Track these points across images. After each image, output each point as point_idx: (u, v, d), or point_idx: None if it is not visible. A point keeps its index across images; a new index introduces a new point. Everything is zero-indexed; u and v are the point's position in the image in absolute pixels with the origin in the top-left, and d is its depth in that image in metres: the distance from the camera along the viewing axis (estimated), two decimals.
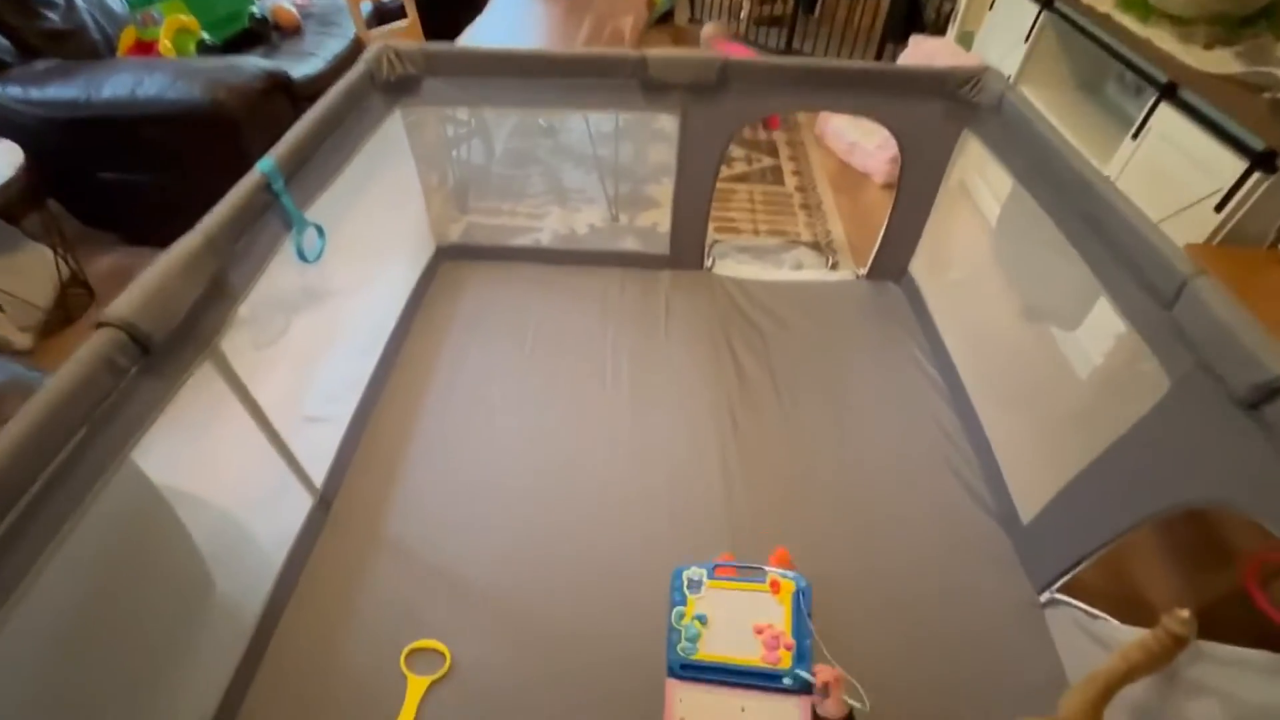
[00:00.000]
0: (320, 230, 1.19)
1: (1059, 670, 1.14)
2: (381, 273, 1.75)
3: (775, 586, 0.98)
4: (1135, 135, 1.62)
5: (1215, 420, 0.87)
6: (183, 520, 1.05)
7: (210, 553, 1.12)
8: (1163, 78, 1.56)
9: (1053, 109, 2.05)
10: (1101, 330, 1.18)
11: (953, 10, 2.85)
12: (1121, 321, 1.05)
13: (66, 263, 1.83)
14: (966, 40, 2.68)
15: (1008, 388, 1.47)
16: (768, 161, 2.57)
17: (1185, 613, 0.88)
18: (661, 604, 1.20)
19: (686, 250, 1.93)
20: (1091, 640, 1.10)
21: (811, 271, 2.02)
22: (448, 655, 1.15)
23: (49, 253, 1.79)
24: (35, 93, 1.62)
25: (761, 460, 1.47)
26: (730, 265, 2.00)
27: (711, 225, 1.99)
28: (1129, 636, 1.02)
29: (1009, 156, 1.41)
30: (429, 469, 1.43)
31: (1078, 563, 1.12)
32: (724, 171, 2.48)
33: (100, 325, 0.76)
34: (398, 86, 1.53)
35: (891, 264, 1.91)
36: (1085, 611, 1.13)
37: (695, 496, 1.39)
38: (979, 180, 1.64)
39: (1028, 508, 1.29)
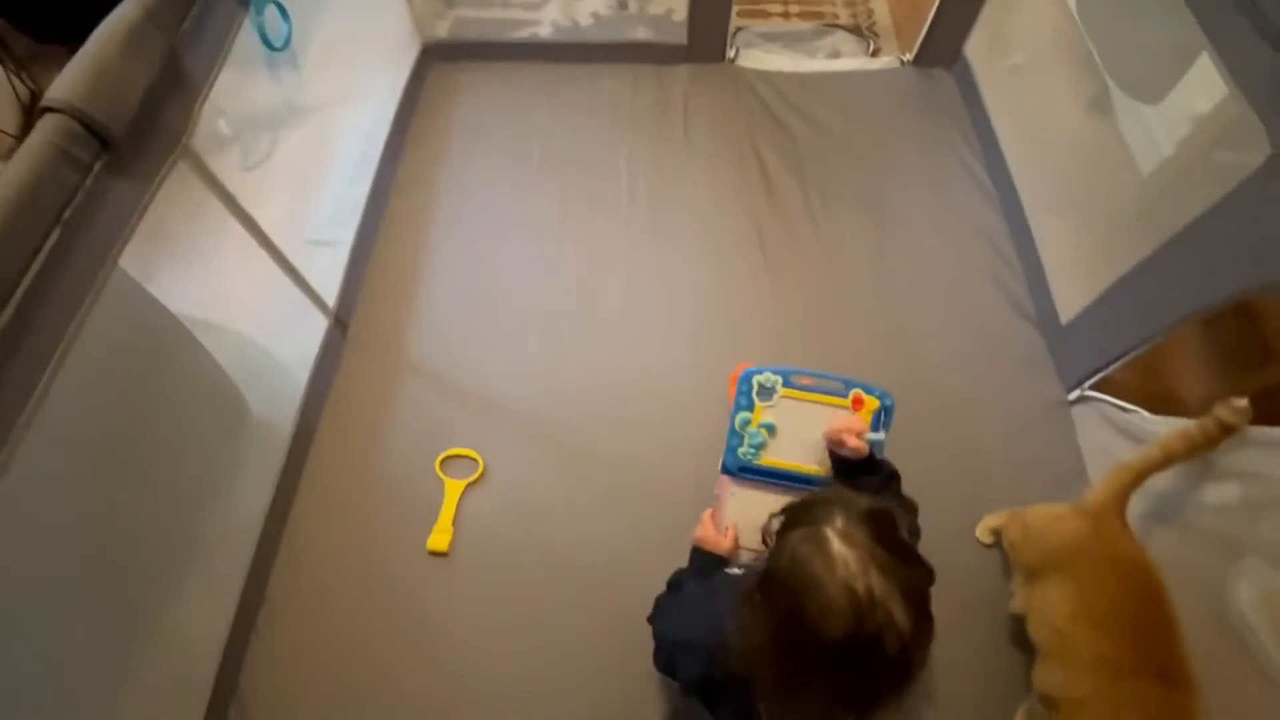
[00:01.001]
0: (282, 10, 1.02)
1: (1080, 465, 1.16)
2: (364, 78, 1.57)
3: (858, 402, 0.91)
4: None
5: None
6: (202, 344, 1.05)
7: (238, 378, 1.13)
8: None
9: None
10: (1185, 107, 1.02)
11: None
12: (1224, 81, 0.89)
13: (24, 82, 1.67)
14: None
15: (1063, 187, 1.33)
16: None
17: (1243, 402, 0.84)
18: (684, 420, 1.22)
19: (706, 39, 1.69)
20: (1118, 433, 1.09)
21: (850, 60, 1.77)
22: (480, 461, 1.20)
23: (1, 73, 1.62)
24: None
25: (793, 276, 1.40)
26: (757, 56, 1.75)
27: (735, 8, 1.72)
28: (1159, 429, 1.01)
29: None
30: (444, 293, 1.39)
31: (1118, 358, 1.08)
32: None
33: (46, 111, 0.67)
34: None
35: (944, 45, 1.66)
36: (1117, 406, 1.11)
37: (722, 315, 1.35)
38: None
39: (1069, 308, 1.22)
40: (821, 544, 0.56)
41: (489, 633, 1.05)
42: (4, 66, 1.61)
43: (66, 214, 0.68)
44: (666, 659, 0.78)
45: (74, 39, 0.73)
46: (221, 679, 0.99)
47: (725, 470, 0.96)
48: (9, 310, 0.63)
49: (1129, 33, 1.13)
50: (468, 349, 1.31)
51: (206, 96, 0.88)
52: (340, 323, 1.30)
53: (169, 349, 0.99)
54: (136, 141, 0.76)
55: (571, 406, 1.25)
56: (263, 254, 1.11)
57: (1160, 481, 0.98)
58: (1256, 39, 0.83)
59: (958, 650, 1.00)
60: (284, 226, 1.15)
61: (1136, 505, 0.94)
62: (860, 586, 0.53)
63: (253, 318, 1.25)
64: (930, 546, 1.01)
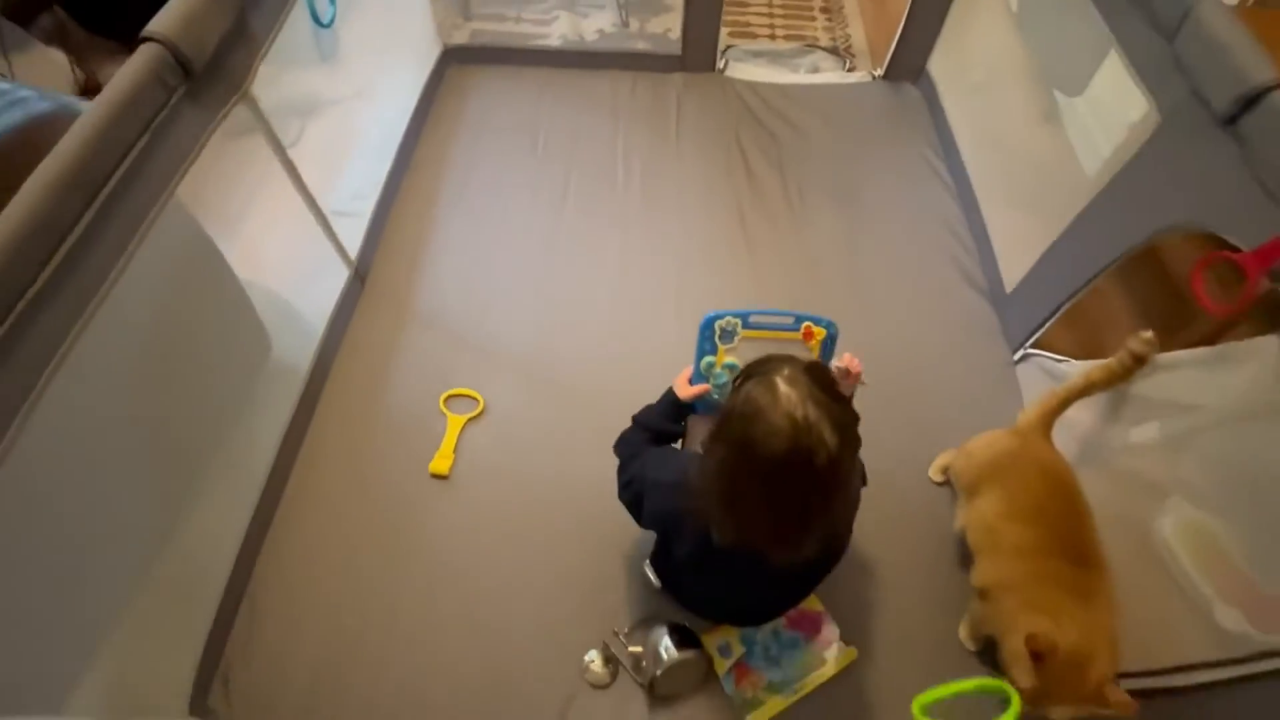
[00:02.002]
0: None
1: None
2: (390, 73, 1.75)
3: (808, 334, 0.96)
4: None
5: (1196, 144, 0.92)
6: (238, 278, 1.17)
7: (266, 320, 1.26)
8: None
9: None
10: (1105, 98, 1.19)
11: None
12: (1125, 66, 1.06)
13: (79, 68, 1.84)
14: None
15: (1014, 184, 1.49)
16: None
17: (1148, 333, 0.98)
18: (664, 368, 1.33)
19: (698, 52, 1.88)
20: (1054, 381, 1.22)
21: (828, 75, 1.97)
22: (480, 400, 1.31)
23: (62, 57, 1.80)
24: None
25: (770, 252, 1.54)
26: (744, 69, 1.95)
27: (726, 30, 1.93)
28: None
29: None
30: (452, 253, 1.53)
31: (1054, 313, 1.22)
32: None
33: (144, 40, 0.82)
34: None
35: (909, 63, 1.86)
36: (1053, 359, 1.24)
37: (703, 282, 1.49)
38: None
39: (1013, 279, 1.37)
40: (770, 386, 0.68)
41: (481, 540, 1.15)
42: (65, 49, 1.78)
43: (155, 122, 0.82)
44: (635, 494, 0.90)
45: (123, 36, 0.86)
46: (235, 577, 1.08)
47: (694, 411, 1.03)
48: (101, 197, 0.76)
49: (1057, 37, 1.31)
50: (472, 303, 1.44)
51: (265, 53, 1.04)
52: (359, 275, 1.43)
53: (212, 276, 1.12)
54: (209, 79, 0.92)
55: (564, 354, 1.37)
56: (295, 210, 1.25)
57: (1094, 431, 1.11)
58: (1148, 29, 1.00)
59: (913, 577, 1.13)
60: (300, 223, 1.29)
61: (1073, 453, 1.06)
62: (799, 414, 0.65)
63: (281, 268, 1.38)
64: (889, 488, 1.14)
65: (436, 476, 1.22)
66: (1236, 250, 0.83)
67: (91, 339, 0.76)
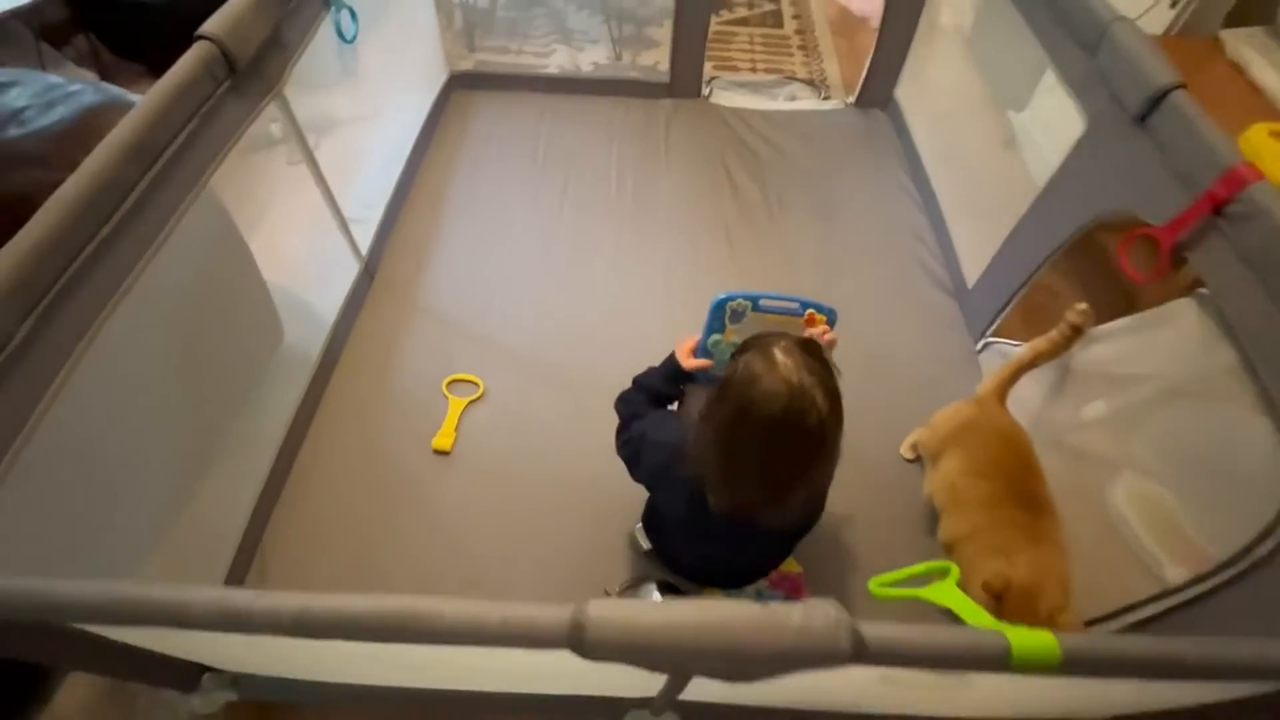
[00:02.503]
0: (353, 13, 1.33)
1: None
2: (400, 95, 1.89)
3: (810, 320, 1.00)
4: None
5: (1117, 142, 1.05)
6: (259, 269, 1.26)
7: (280, 310, 1.34)
8: None
9: None
10: (1046, 112, 1.34)
11: None
12: (1058, 80, 1.21)
13: None
14: None
15: (974, 197, 1.63)
16: (768, 6, 2.61)
17: (1083, 305, 1.09)
18: (654, 357, 1.43)
19: (686, 82, 2.05)
20: None
21: (805, 102, 2.13)
22: (480, 384, 1.40)
23: (93, 76, 1.92)
24: None
25: (752, 256, 1.66)
26: (727, 96, 2.11)
27: (710, 64, 2.10)
28: None
29: None
30: (457, 253, 1.63)
31: (1009, 301, 1.34)
32: (725, 15, 2.54)
33: (198, 39, 0.93)
34: None
35: (878, 92, 2.03)
36: (1010, 344, 1.36)
37: (690, 283, 1.60)
38: (961, 7, 1.73)
39: (972, 275, 1.49)
40: (767, 355, 0.76)
41: (480, 510, 1.22)
42: (96, 71, 1.91)
43: (203, 109, 0.93)
44: (634, 451, 0.96)
45: (148, 60, 0.96)
46: (246, 540, 1.14)
47: (693, 380, 1.08)
48: (155, 168, 0.86)
49: (1003, 61, 1.47)
50: (475, 297, 1.54)
51: (296, 59, 1.16)
52: (369, 271, 1.53)
53: (235, 256, 1.21)
54: (249, 76, 1.03)
55: (559, 344, 1.47)
56: (310, 210, 1.35)
57: (1048, 412, 1.21)
58: (1075, 47, 1.15)
59: (885, 542, 1.20)
60: (316, 219, 1.41)
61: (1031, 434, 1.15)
62: (794, 379, 0.73)
63: (295, 264, 1.47)
64: (864, 466, 1.23)
65: (439, 452, 1.30)
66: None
67: (137, 294, 0.85)
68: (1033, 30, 1.28)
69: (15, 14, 1.65)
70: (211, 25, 0.95)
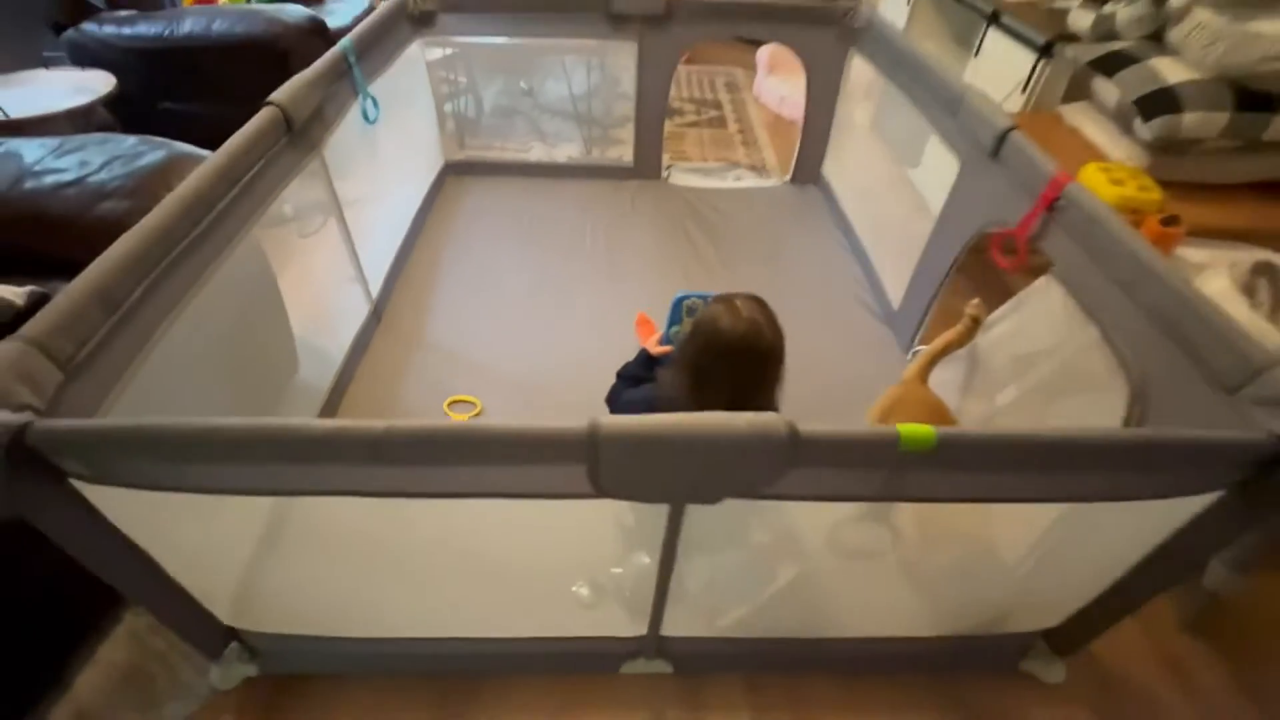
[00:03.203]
0: (375, 102, 1.63)
1: None
2: (403, 177, 2.18)
3: None
4: (976, 53, 2.17)
5: (982, 174, 1.37)
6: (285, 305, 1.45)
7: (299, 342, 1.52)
8: (989, 9, 2.11)
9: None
10: (935, 165, 1.69)
11: None
12: (939, 138, 1.55)
13: None
14: None
15: (893, 241, 1.96)
16: (713, 114, 3.09)
17: (976, 300, 1.35)
18: None
19: (647, 167, 2.42)
20: None
21: (749, 181, 2.52)
22: (478, 404, 1.57)
23: None
24: (126, 30, 2.03)
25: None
26: (683, 179, 2.48)
27: (667, 155, 2.48)
28: None
29: (878, 60, 1.93)
30: (456, 301, 1.85)
31: (925, 313, 1.61)
32: (677, 120, 3.00)
33: (266, 104, 1.19)
34: (420, 20, 1.99)
35: (808, 171, 2.42)
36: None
37: (655, 311, 1.83)
38: (864, 102, 2.17)
39: (898, 298, 1.77)
40: (728, 301, 0.99)
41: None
42: None
43: (265, 157, 1.17)
44: (613, 410, 1.14)
45: None
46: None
47: (660, 364, 1.31)
48: (229, 197, 1.08)
49: (899, 132, 1.85)
50: (472, 333, 1.75)
51: (334, 128, 1.43)
52: (376, 313, 1.73)
53: (267, 292, 1.40)
54: (299, 138, 1.29)
55: (548, 368, 1.66)
56: (325, 264, 1.57)
57: (970, 406, 1.44)
58: (946, 114, 1.51)
59: None
60: (333, 267, 1.63)
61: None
62: (748, 314, 0.96)
63: (309, 314, 1.66)
64: None
65: None
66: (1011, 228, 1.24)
67: (194, 306, 1.01)
68: (916, 107, 1.65)
69: (70, 115, 1.92)
70: (279, 94, 1.21)
